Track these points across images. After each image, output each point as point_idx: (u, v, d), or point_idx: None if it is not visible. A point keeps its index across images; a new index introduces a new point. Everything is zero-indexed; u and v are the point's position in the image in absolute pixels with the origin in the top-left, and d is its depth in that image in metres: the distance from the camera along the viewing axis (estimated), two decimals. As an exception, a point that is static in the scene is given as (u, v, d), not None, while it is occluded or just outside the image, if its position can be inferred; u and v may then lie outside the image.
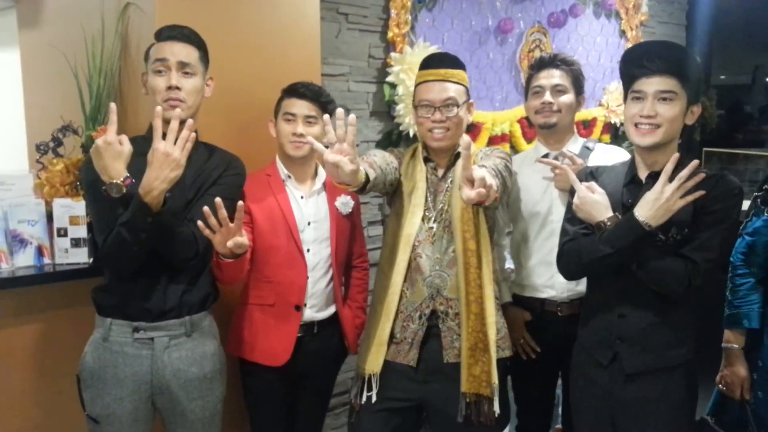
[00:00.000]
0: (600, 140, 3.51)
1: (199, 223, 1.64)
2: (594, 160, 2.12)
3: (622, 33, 3.82)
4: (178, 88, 1.73)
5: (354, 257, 2.24)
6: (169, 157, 1.59)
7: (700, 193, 1.61)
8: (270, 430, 2.10)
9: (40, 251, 2.01)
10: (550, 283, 2.14)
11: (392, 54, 2.80)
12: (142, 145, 1.68)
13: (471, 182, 1.49)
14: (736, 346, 2.07)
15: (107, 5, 2.21)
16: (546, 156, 2.19)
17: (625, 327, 1.75)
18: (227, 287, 1.95)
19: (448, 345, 1.89)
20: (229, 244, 1.68)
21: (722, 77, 4.89)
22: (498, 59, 3.27)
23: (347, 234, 2.15)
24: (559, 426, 2.56)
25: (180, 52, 1.75)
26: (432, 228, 1.91)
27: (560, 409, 2.46)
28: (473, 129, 3.07)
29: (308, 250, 2.04)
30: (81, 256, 2.02)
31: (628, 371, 1.74)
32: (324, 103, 2.02)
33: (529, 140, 3.27)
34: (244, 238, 1.70)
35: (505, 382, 1.98)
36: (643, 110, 1.68)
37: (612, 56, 3.77)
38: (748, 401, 2.07)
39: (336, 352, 2.18)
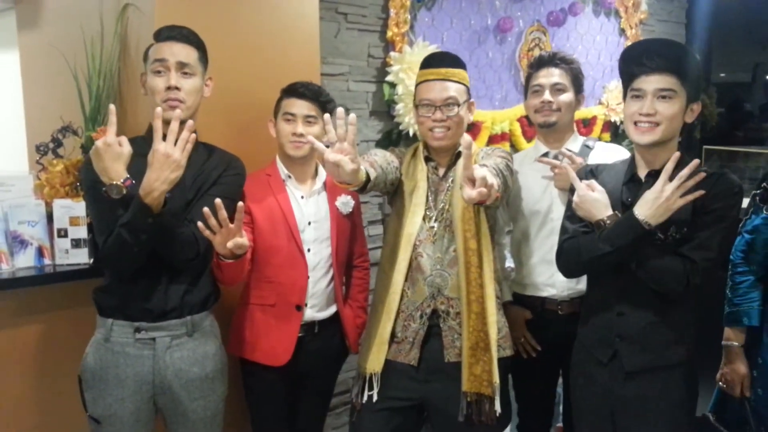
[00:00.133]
0: (600, 139, 3.51)
1: (199, 224, 1.64)
2: (594, 159, 2.13)
3: (622, 31, 3.81)
4: (177, 88, 1.73)
5: (355, 257, 2.24)
6: (169, 158, 1.59)
7: (700, 192, 1.60)
8: (271, 430, 2.11)
9: (40, 252, 2.01)
10: (550, 281, 2.14)
11: (391, 53, 2.80)
12: (141, 145, 1.68)
13: (472, 182, 1.49)
14: (736, 343, 2.08)
15: (106, 6, 2.21)
16: (546, 155, 2.19)
17: (625, 325, 1.75)
18: (228, 287, 1.95)
19: (449, 344, 1.89)
20: (229, 244, 1.68)
21: (722, 75, 4.89)
22: (497, 58, 3.27)
23: (348, 234, 2.15)
24: (560, 424, 2.56)
25: (179, 52, 1.75)
26: (433, 227, 1.91)
27: (561, 408, 2.47)
28: (473, 128, 3.07)
29: (309, 250, 2.04)
30: (81, 257, 2.02)
31: (627, 369, 1.75)
32: (324, 102, 2.02)
33: (528, 139, 3.27)
34: (244, 239, 1.70)
35: (507, 382, 1.98)
36: (642, 108, 1.68)
37: (611, 55, 3.76)
38: (748, 398, 2.07)
39: (337, 352, 2.18)
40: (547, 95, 2.12)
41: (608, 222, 1.69)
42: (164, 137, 1.60)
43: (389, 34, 2.80)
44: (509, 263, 2.32)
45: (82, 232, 2.02)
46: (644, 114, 1.68)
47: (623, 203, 1.75)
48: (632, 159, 1.81)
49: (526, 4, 3.34)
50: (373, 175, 1.70)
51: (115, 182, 1.59)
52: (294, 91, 2.02)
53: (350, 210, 2.13)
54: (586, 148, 2.20)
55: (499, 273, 2.07)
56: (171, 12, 2.00)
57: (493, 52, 3.25)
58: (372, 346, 1.92)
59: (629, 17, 3.80)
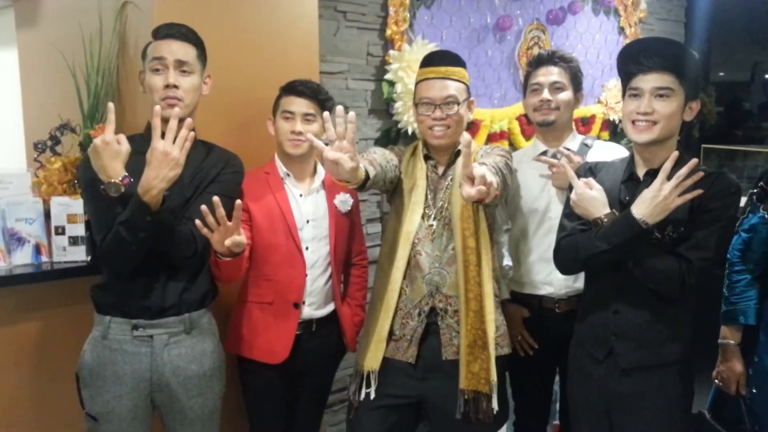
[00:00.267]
0: (599, 137, 3.51)
1: (197, 222, 1.64)
2: (592, 157, 2.12)
3: (621, 30, 3.81)
4: (175, 86, 1.73)
5: (353, 255, 2.24)
6: (168, 156, 1.59)
7: (698, 192, 1.61)
8: (268, 428, 2.11)
9: (37, 249, 2.01)
10: (548, 279, 2.14)
11: (391, 52, 2.80)
12: (140, 143, 1.68)
13: (471, 180, 1.50)
14: (732, 342, 2.08)
15: (105, 4, 2.20)
16: (544, 153, 2.19)
17: (621, 323, 1.75)
18: (226, 285, 1.95)
19: (447, 342, 1.89)
20: (227, 242, 1.68)
21: (721, 74, 4.88)
22: (496, 56, 3.27)
23: (346, 232, 2.15)
24: (556, 422, 2.57)
25: (178, 50, 1.75)
26: (432, 225, 1.91)
27: (558, 406, 2.47)
28: (472, 126, 3.07)
29: (307, 248, 2.04)
30: (79, 255, 2.02)
31: (623, 366, 1.75)
32: (322, 100, 2.02)
33: (527, 137, 3.27)
34: (242, 237, 1.70)
35: (504, 380, 1.98)
36: (639, 107, 1.68)
37: (611, 53, 3.76)
38: (743, 397, 2.07)
39: (335, 350, 2.18)
40: (545, 94, 2.12)
41: (605, 220, 1.69)
42: (163, 135, 1.60)
43: (388, 32, 2.80)
44: (507, 261, 2.33)
45: (79, 230, 2.02)
46: (642, 113, 1.68)
47: (621, 202, 1.75)
48: (631, 157, 1.81)
49: (525, 2, 3.34)
50: (372, 173, 1.71)
51: (113, 180, 1.59)
52: (293, 89, 2.02)
53: (349, 208, 2.13)
54: (585, 147, 2.20)
55: (498, 271, 2.07)
56: (170, 10, 2.00)
57: (493, 51, 3.25)
58: (370, 343, 1.92)
59: (628, 16, 3.80)
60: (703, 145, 4.09)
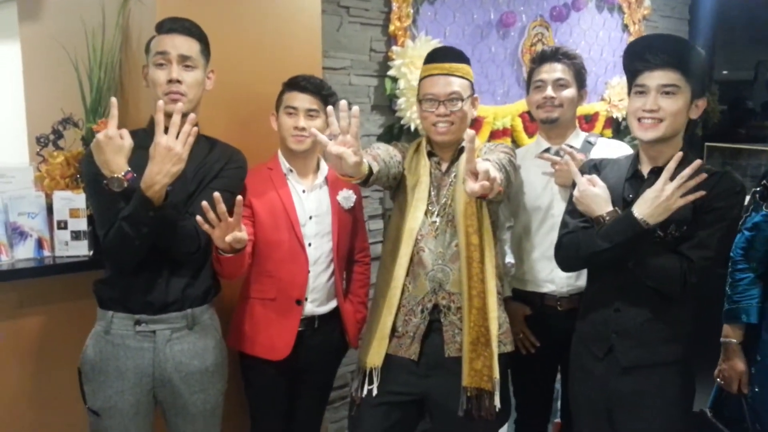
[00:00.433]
0: (602, 135, 3.50)
1: (198, 218, 1.64)
2: (596, 155, 2.12)
3: (625, 27, 3.80)
4: (179, 81, 1.73)
5: (356, 252, 2.23)
6: (171, 152, 1.58)
7: (701, 193, 1.60)
8: (270, 424, 2.10)
9: (40, 244, 2.01)
10: (550, 277, 2.14)
11: (394, 47, 2.79)
12: (143, 138, 1.68)
13: (475, 175, 1.49)
14: (734, 340, 2.08)
15: (108, -3, 2.20)
16: (547, 150, 2.18)
17: (621, 321, 1.75)
18: (228, 281, 1.95)
19: (450, 339, 1.89)
20: (228, 239, 1.67)
21: (724, 72, 4.87)
22: (500, 53, 3.26)
23: (349, 228, 2.15)
24: (558, 420, 2.57)
25: (181, 45, 1.74)
26: (435, 222, 1.91)
27: (559, 404, 2.47)
28: (475, 123, 3.07)
29: (309, 245, 2.03)
30: (81, 249, 2.02)
31: (623, 364, 1.75)
32: (326, 96, 2.01)
33: (530, 135, 3.26)
34: (243, 233, 1.70)
35: (507, 377, 1.98)
36: (645, 104, 1.67)
37: (614, 50, 3.75)
38: (745, 395, 2.07)
39: (337, 347, 2.18)
40: (549, 91, 2.12)
41: (608, 218, 1.69)
42: (166, 130, 1.60)
43: (391, 28, 2.78)
44: (509, 259, 2.32)
45: (82, 224, 2.01)
46: (647, 110, 1.67)
47: (624, 199, 1.75)
48: (636, 155, 1.81)
49: (529, -2, 3.33)
50: (375, 168, 1.70)
51: (116, 175, 1.58)
52: (296, 84, 2.01)
53: (352, 205, 2.12)
54: (588, 144, 2.19)
55: (501, 269, 2.07)
56: (173, 4, 1.99)
57: (496, 47, 3.24)
58: (372, 340, 1.92)
59: (632, 13, 3.79)
60: (706, 144, 4.09)
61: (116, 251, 1.68)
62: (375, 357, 1.90)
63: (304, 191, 2.06)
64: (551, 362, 2.24)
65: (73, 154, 2.10)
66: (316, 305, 2.06)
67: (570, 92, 2.13)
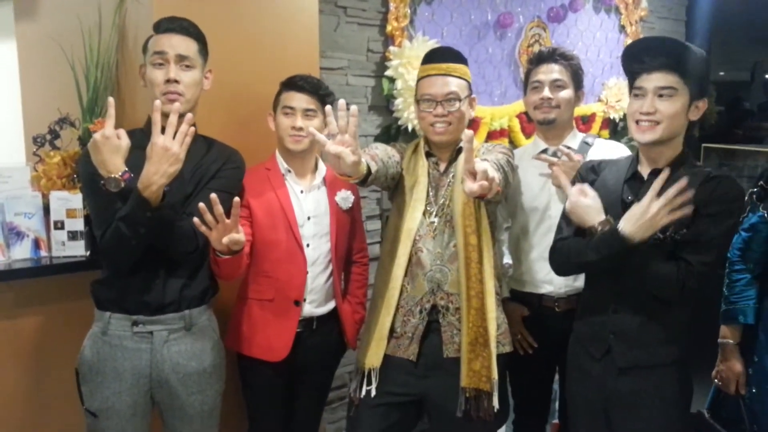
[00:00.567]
0: (599, 135, 3.50)
1: (195, 219, 1.63)
2: (593, 156, 2.12)
3: (622, 28, 3.81)
4: (176, 81, 1.72)
5: (354, 252, 2.23)
6: (168, 152, 1.58)
7: (689, 209, 1.58)
8: (268, 425, 2.10)
9: (36, 244, 2.00)
10: (548, 278, 2.14)
11: (391, 48, 2.79)
12: (140, 138, 1.67)
13: (473, 175, 1.49)
14: (731, 341, 2.08)
15: (104, -3, 2.20)
16: (544, 151, 2.18)
17: (619, 322, 1.75)
18: (226, 282, 1.94)
19: (449, 340, 1.89)
20: (225, 240, 1.66)
21: (721, 73, 4.89)
22: (497, 54, 3.26)
23: (347, 229, 2.14)
24: (556, 421, 2.57)
25: (179, 44, 1.74)
26: (433, 222, 1.91)
27: (557, 404, 2.47)
28: (472, 124, 3.06)
29: (308, 245, 2.03)
30: (78, 249, 2.01)
31: (620, 365, 1.75)
32: (323, 95, 2.01)
33: (528, 135, 3.27)
34: (240, 235, 1.68)
35: (505, 378, 1.98)
36: (642, 107, 1.67)
37: (611, 51, 3.76)
38: (743, 396, 2.08)
39: (335, 348, 2.17)
40: (546, 92, 2.12)
41: (599, 228, 1.68)
42: (163, 130, 1.59)
43: (389, 28, 2.78)
44: (507, 260, 2.32)
45: (78, 225, 2.01)
46: (644, 113, 1.67)
47: (623, 201, 1.75)
48: (635, 156, 1.81)
49: (526, -1, 3.34)
50: (374, 168, 1.70)
51: (113, 175, 1.58)
52: (293, 84, 2.01)
53: (350, 205, 2.12)
54: (586, 145, 2.20)
55: (499, 269, 2.07)
56: (170, 3, 1.98)
57: (493, 48, 3.24)
58: (371, 341, 1.91)
59: (629, 14, 3.79)
60: (704, 144, 4.10)
61: (113, 252, 1.67)
62: (373, 357, 1.90)
63: (302, 192, 2.06)
64: (549, 363, 2.24)
65: (70, 154, 2.10)
66: (314, 306, 2.06)
67: (567, 93, 2.13)
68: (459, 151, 1.92)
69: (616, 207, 1.74)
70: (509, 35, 3.29)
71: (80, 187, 1.99)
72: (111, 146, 1.58)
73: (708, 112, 1.75)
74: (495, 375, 1.84)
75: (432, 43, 2.81)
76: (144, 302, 1.73)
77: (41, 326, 2.00)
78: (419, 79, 1.96)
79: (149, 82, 1.75)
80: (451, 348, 1.88)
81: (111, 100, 1.61)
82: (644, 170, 1.76)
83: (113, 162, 1.58)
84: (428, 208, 1.92)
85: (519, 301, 2.20)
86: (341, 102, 1.51)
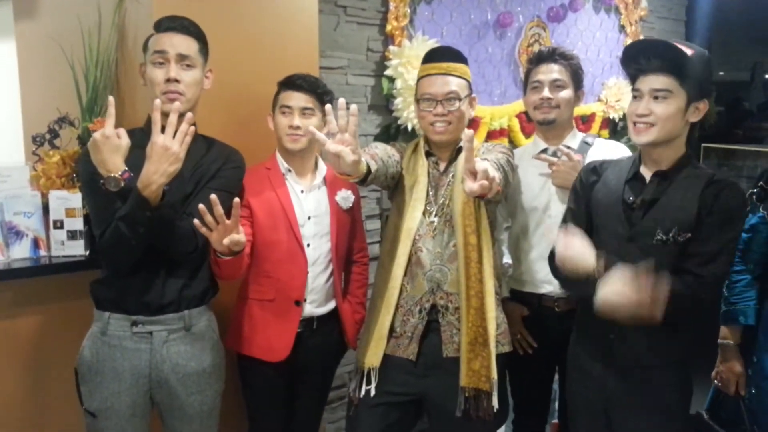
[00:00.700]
0: (599, 135, 3.50)
1: (195, 221, 1.62)
2: (593, 155, 2.12)
3: (622, 28, 3.81)
4: (177, 80, 1.72)
5: (354, 252, 2.23)
6: (168, 151, 1.57)
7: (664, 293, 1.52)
8: (268, 425, 2.09)
9: (36, 243, 2.00)
10: (548, 278, 2.13)
11: (391, 47, 2.79)
12: (139, 137, 1.67)
13: (474, 174, 1.49)
14: (731, 342, 2.08)
15: (104, -4, 2.19)
16: (544, 151, 2.18)
17: (620, 324, 1.74)
18: (226, 282, 1.94)
19: (448, 339, 1.89)
20: (225, 241, 1.65)
21: (721, 73, 4.88)
22: (497, 53, 3.26)
23: (347, 229, 2.14)
24: (555, 421, 2.57)
25: (179, 44, 1.74)
26: (433, 222, 1.91)
27: (557, 404, 2.47)
28: (472, 124, 3.06)
29: (308, 245, 2.02)
30: (77, 249, 2.01)
31: (621, 365, 1.75)
32: (321, 94, 2.01)
33: (527, 135, 3.26)
34: (241, 236, 1.68)
35: (504, 378, 1.98)
36: (638, 109, 1.68)
37: (611, 51, 3.76)
38: (742, 397, 2.08)
39: (335, 348, 2.17)
40: (546, 92, 2.12)
41: (592, 276, 1.63)
42: (163, 129, 1.59)
43: (388, 27, 2.78)
44: (507, 259, 2.32)
45: (78, 224, 2.01)
46: (639, 114, 1.68)
47: (625, 201, 1.75)
48: (638, 156, 1.80)
49: (526, -1, 3.33)
50: (374, 167, 1.70)
51: (113, 175, 1.57)
52: (290, 83, 2.01)
53: (350, 205, 2.12)
54: (586, 145, 2.19)
55: (499, 269, 2.07)
56: (169, 3, 1.98)
57: (493, 48, 3.24)
58: (370, 340, 1.91)
59: (629, 14, 3.79)
60: (703, 144, 4.09)
61: (112, 251, 1.67)
62: (373, 357, 1.90)
63: (302, 191, 2.05)
64: (549, 363, 2.23)
65: (69, 154, 2.10)
66: (314, 306, 2.05)
67: (567, 93, 2.13)
68: (459, 150, 1.92)
69: (617, 207, 1.74)
70: (509, 35, 3.29)
71: (80, 186, 1.98)
72: (111, 145, 1.58)
73: (708, 112, 1.74)
74: (494, 375, 1.84)
75: (432, 43, 2.81)
76: (143, 302, 1.72)
77: (40, 326, 2.00)
78: (419, 79, 1.96)
79: (149, 81, 1.74)
80: (450, 347, 1.88)
81: (111, 99, 1.60)
82: (646, 171, 1.76)
83: (113, 161, 1.58)
84: (428, 208, 1.92)
85: (519, 300, 2.20)
86: (341, 101, 1.51)
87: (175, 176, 1.61)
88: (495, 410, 1.85)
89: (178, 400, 1.78)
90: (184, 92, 1.73)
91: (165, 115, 1.61)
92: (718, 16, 4.17)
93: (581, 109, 3.51)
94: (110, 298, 1.74)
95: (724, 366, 2.10)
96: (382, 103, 2.85)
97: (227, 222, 1.64)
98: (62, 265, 1.98)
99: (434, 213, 1.91)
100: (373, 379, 1.90)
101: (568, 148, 2.13)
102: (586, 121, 3.61)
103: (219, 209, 1.61)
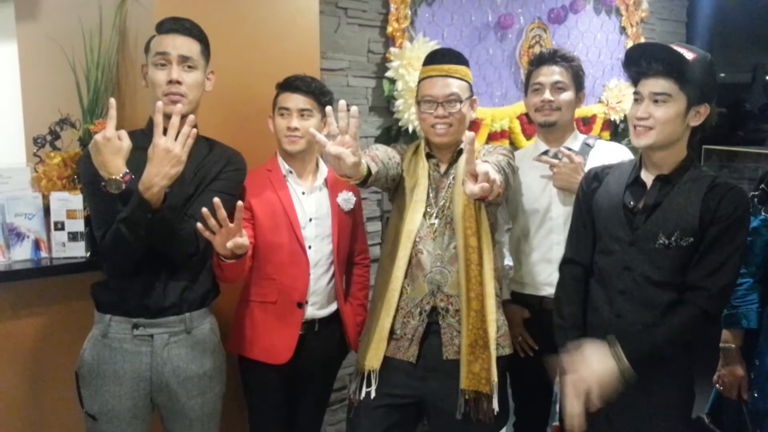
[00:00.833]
0: (600, 137, 3.50)
1: (199, 225, 1.61)
2: (594, 157, 2.12)
3: (623, 30, 3.81)
4: (179, 82, 1.72)
5: (355, 254, 2.23)
6: (169, 154, 1.57)
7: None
8: (269, 428, 2.09)
9: (37, 245, 2.00)
10: (549, 280, 2.13)
11: (392, 49, 2.79)
12: (141, 139, 1.67)
13: (474, 176, 1.49)
14: (733, 345, 2.07)
15: (105, -2, 2.19)
16: (545, 153, 2.18)
17: (621, 327, 1.74)
18: (228, 284, 1.94)
19: (448, 342, 1.88)
20: (229, 245, 1.65)
21: (722, 75, 4.88)
22: (498, 55, 3.26)
23: (349, 230, 2.14)
24: (556, 423, 2.56)
25: (182, 45, 1.73)
26: (433, 224, 1.91)
27: (557, 407, 2.46)
28: (473, 125, 3.06)
29: (310, 247, 2.02)
30: (78, 250, 2.01)
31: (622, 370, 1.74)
32: (318, 95, 2.00)
33: (528, 137, 3.27)
34: (244, 239, 1.67)
35: (505, 380, 1.98)
36: (638, 112, 1.68)
37: (612, 53, 3.76)
38: (745, 401, 2.07)
39: (337, 350, 2.17)
40: (547, 94, 2.11)
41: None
42: (165, 131, 1.59)
43: (389, 29, 2.79)
44: (508, 261, 2.32)
45: (79, 226, 2.01)
46: (638, 117, 1.68)
47: (625, 206, 1.74)
48: (639, 160, 1.80)
49: (526, 0, 3.33)
50: (374, 169, 1.70)
51: (114, 177, 1.57)
52: (288, 85, 2.01)
53: (351, 207, 2.12)
54: (587, 147, 2.19)
55: (500, 271, 2.07)
56: (170, 4, 1.98)
57: (494, 49, 3.24)
58: (371, 342, 1.91)
59: (630, 15, 3.79)
60: (704, 146, 4.09)
61: (113, 253, 1.67)
62: (373, 359, 1.90)
63: (303, 193, 2.05)
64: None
65: (70, 155, 2.10)
66: (316, 308, 2.05)
67: (568, 95, 2.13)
68: (460, 152, 1.92)
69: (617, 212, 1.74)
70: (510, 36, 3.30)
71: (81, 188, 1.98)
72: (112, 147, 1.57)
73: (710, 115, 1.75)
74: (494, 377, 1.84)
75: (433, 45, 2.81)
76: (144, 305, 1.72)
77: (41, 327, 1.99)
78: (420, 81, 1.96)
79: (151, 82, 1.74)
80: (450, 350, 1.88)
81: (112, 101, 1.60)
82: (647, 175, 1.76)
83: (114, 163, 1.57)
84: (428, 210, 1.92)
85: (520, 303, 2.20)
86: (342, 103, 1.50)
87: (176, 178, 1.61)
88: (495, 413, 1.85)
89: (179, 403, 1.78)
90: (186, 94, 1.73)
91: (167, 116, 1.60)
92: (719, 18, 4.17)
93: (582, 111, 3.51)
94: (111, 301, 1.74)
95: (725, 370, 2.09)
96: (383, 105, 2.85)
97: (230, 225, 1.63)
98: (63, 267, 1.97)
99: (435, 215, 1.91)
100: (373, 381, 1.89)
101: (569, 150, 2.12)
102: (587, 123, 3.61)
103: (222, 212, 1.60)
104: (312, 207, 2.05)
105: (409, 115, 2.79)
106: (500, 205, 2.11)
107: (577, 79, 2.16)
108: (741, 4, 4.37)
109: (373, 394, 1.89)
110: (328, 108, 1.57)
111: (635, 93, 1.71)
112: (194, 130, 1.62)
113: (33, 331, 1.99)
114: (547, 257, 2.12)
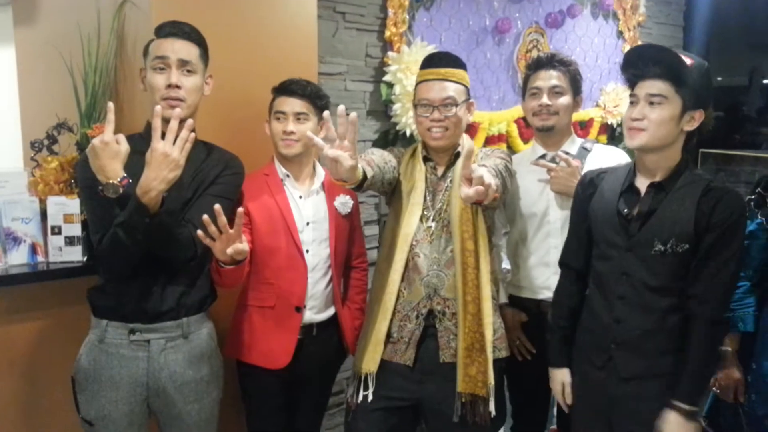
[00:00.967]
0: (597, 141, 3.50)
1: (199, 232, 1.61)
2: (592, 161, 2.12)
3: (620, 34, 3.82)
4: (178, 86, 1.71)
5: (353, 258, 2.22)
6: (168, 158, 1.57)
7: None
8: (267, 432, 2.09)
9: (33, 249, 2.00)
10: (546, 284, 2.13)
11: (389, 53, 2.80)
12: (138, 143, 1.66)
13: (470, 181, 1.49)
14: (730, 349, 2.08)
15: (103, 3, 2.19)
16: (543, 156, 2.18)
17: (621, 332, 1.74)
18: (226, 290, 1.94)
19: (445, 345, 1.88)
20: (229, 251, 1.64)
21: (719, 78, 4.88)
22: (495, 59, 3.27)
23: (346, 234, 2.14)
24: (554, 427, 2.56)
25: (181, 49, 1.73)
26: (430, 227, 1.91)
27: (555, 410, 2.46)
28: (470, 129, 3.07)
29: (308, 251, 2.02)
30: (75, 255, 2.01)
31: (622, 375, 1.74)
32: (314, 98, 2.00)
33: (526, 140, 3.27)
34: (244, 245, 1.67)
35: (502, 383, 1.98)
36: (633, 113, 1.68)
37: (609, 57, 3.77)
38: (742, 404, 2.07)
39: (335, 354, 2.16)
40: (545, 99, 2.12)
41: None
42: (163, 136, 1.58)
43: (387, 33, 2.79)
44: (505, 265, 2.32)
45: (76, 230, 2.01)
46: (633, 118, 1.68)
47: (619, 212, 1.74)
48: (633, 166, 1.80)
49: (524, 5, 3.34)
50: (370, 173, 1.70)
51: (111, 181, 1.56)
52: (284, 88, 2.01)
53: (349, 210, 2.11)
54: (584, 151, 2.19)
55: (497, 274, 2.07)
56: (168, 9, 1.98)
57: (491, 53, 3.25)
58: (368, 345, 1.91)
59: (627, 20, 3.80)
60: (701, 150, 4.10)
61: (110, 258, 1.66)
62: (370, 363, 1.90)
63: (301, 197, 2.05)
64: (547, 369, 2.23)
65: (68, 159, 2.10)
66: (314, 312, 2.05)
67: (566, 99, 2.13)
68: (457, 155, 1.92)
69: (612, 219, 1.74)
70: (507, 41, 3.30)
71: (78, 192, 1.98)
72: (110, 152, 1.56)
73: (706, 119, 1.75)
74: (491, 380, 1.84)
75: (430, 49, 2.82)
76: (141, 310, 1.71)
77: (37, 332, 1.99)
78: (417, 84, 1.96)
79: (150, 86, 1.74)
80: (447, 353, 1.88)
81: (111, 105, 1.60)
82: (641, 182, 1.75)
83: (112, 167, 1.57)
84: (425, 213, 1.92)
85: (517, 306, 2.20)
86: (341, 108, 1.50)
87: (174, 183, 1.61)
88: (492, 416, 1.85)
89: (176, 409, 1.77)
90: (185, 98, 1.73)
91: (165, 120, 1.60)
92: (716, 22, 4.18)
93: (579, 115, 3.52)
94: (108, 306, 1.73)
95: (722, 373, 2.09)
96: (381, 109, 2.85)
97: (230, 231, 1.63)
98: (60, 271, 1.97)
99: (431, 218, 1.91)
100: (370, 384, 1.89)
101: (567, 153, 2.13)
102: (584, 127, 3.62)
103: (222, 219, 1.60)
104: (309, 211, 2.05)
105: (406, 119, 2.79)
106: (497, 209, 2.11)
107: (575, 83, 2.16)
108: (738, 7, 4.39)
109: (370, 398, 1.89)
110: (326, 113, 1.57)
111: (631, 95, 1.72)
112: (192, 135, 1.61)
113: (29, 336, 1.98)
114: (544, 261, 2.12)
